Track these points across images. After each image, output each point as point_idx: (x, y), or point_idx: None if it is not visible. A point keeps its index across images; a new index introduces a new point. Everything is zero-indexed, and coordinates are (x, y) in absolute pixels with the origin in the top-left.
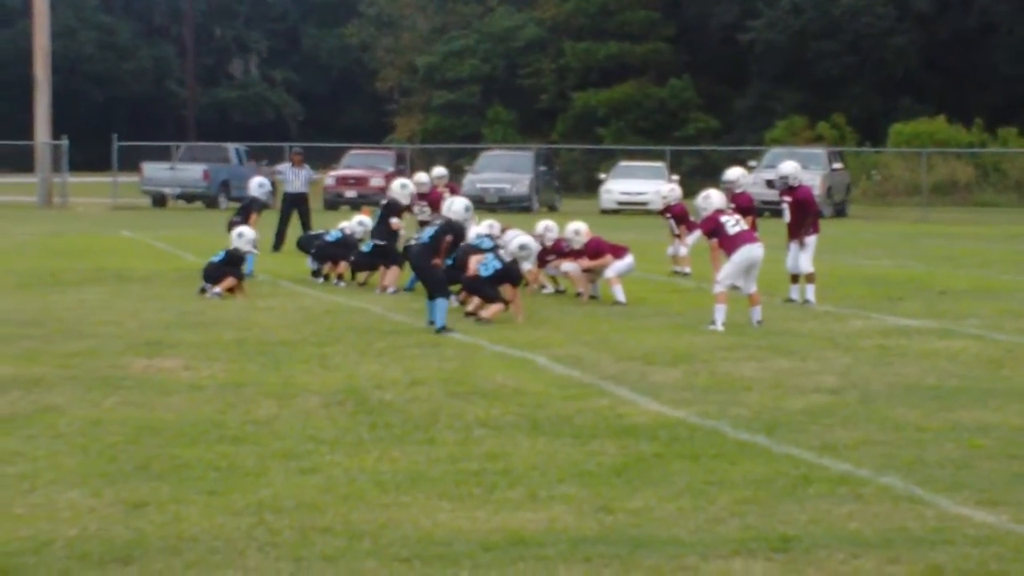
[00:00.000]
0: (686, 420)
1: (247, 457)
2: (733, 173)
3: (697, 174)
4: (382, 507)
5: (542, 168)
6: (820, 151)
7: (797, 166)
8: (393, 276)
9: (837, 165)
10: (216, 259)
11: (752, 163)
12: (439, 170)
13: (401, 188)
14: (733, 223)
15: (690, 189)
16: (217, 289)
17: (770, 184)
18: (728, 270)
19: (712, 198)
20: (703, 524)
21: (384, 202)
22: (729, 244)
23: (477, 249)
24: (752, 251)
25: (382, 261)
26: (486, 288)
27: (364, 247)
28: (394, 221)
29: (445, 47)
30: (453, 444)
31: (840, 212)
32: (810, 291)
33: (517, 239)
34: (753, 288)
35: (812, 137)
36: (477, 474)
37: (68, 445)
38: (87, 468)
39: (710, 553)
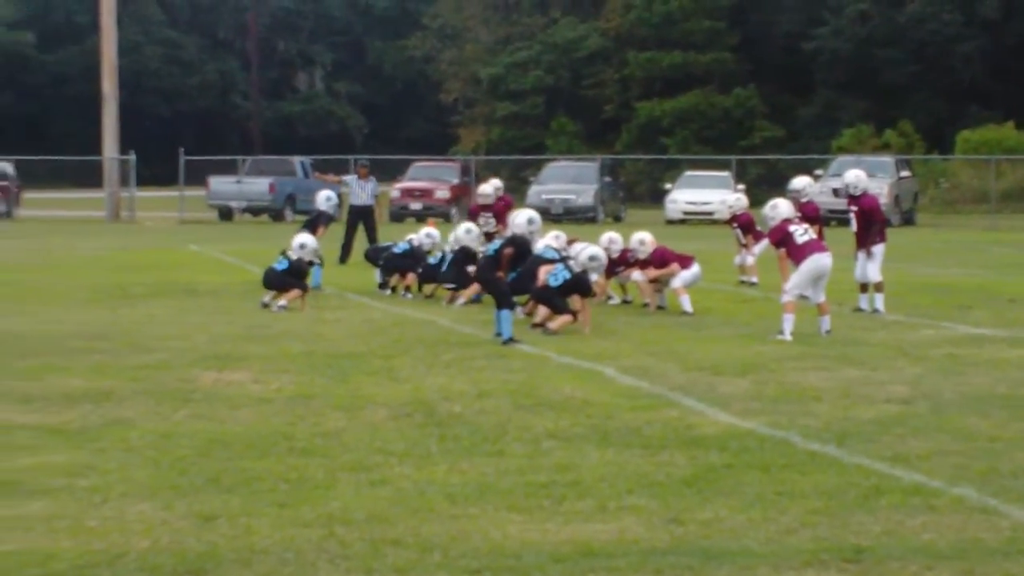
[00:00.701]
0: (755, 431)
1: (316, 469)
2: (800, 182)
3: (763, 183)
4: (452, 519)
5: (607, 179)
6: (888, 159)
7: (860, 174)
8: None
9: (905, 173)
10: (278, 267)
11: (818, 172)
12: (494, 182)
13: (467, 233)
14: (801, 232)
15: (756, 198)
16: (282, 302)
17: (836, 193)
18: (796, 280)
19: (780, 207)
20: (774, 535)
21: (456, 248)
22: (798, 253)
23: (546, 260)
24: (821, 260)
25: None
26: (555, 299)
27: (432, 259)
28: (471, 269)
29: (509, 58)
30: (522, 456)
31: (908, 220)
32: (879, 300)
33: (587, 250)
34: (822, 298)
35: (879, 145)
36: (546, 486)
37: (139, 458)
38: (158, 481)
39: (781, 564)
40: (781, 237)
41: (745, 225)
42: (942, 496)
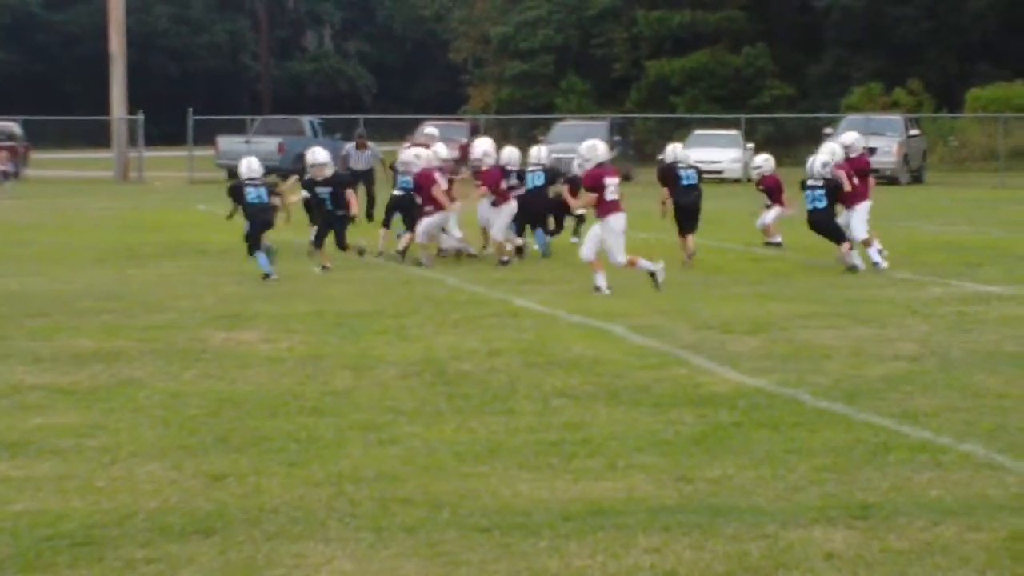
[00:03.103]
0: (765, 388)
1: (326, 428)
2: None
3: (772, 142)
4: (461, 477)
5: (616, 138)
6: (897, 117)
7: (856, 135)
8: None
9: (914, 131)
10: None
11: (828, 130)
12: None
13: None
14: (613, 188)
15: None
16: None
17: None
18: (608, 239)
19: (599, 149)
20: (783, 492)
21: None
22: (605, 207)
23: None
24: (621, 220)
25: None
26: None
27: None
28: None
29: (518, 17)
30: (532, 414)
31: (917, 179)
32: (874, 253)
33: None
34: (622, 258)
35: (888, 103)
36: (556, 444)
37: (148, 418)
38: (167, 441)
39: (790, 521)
40: (596, 184)
41: (772, 188)
42: (949, 452)
